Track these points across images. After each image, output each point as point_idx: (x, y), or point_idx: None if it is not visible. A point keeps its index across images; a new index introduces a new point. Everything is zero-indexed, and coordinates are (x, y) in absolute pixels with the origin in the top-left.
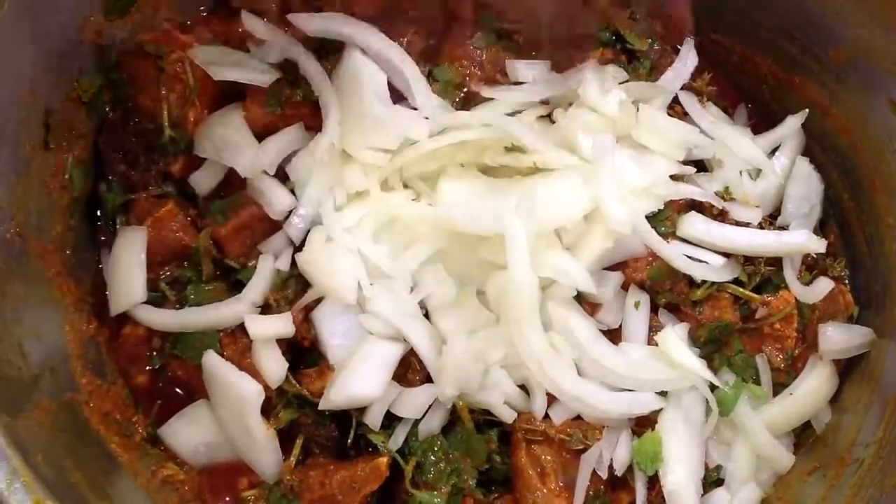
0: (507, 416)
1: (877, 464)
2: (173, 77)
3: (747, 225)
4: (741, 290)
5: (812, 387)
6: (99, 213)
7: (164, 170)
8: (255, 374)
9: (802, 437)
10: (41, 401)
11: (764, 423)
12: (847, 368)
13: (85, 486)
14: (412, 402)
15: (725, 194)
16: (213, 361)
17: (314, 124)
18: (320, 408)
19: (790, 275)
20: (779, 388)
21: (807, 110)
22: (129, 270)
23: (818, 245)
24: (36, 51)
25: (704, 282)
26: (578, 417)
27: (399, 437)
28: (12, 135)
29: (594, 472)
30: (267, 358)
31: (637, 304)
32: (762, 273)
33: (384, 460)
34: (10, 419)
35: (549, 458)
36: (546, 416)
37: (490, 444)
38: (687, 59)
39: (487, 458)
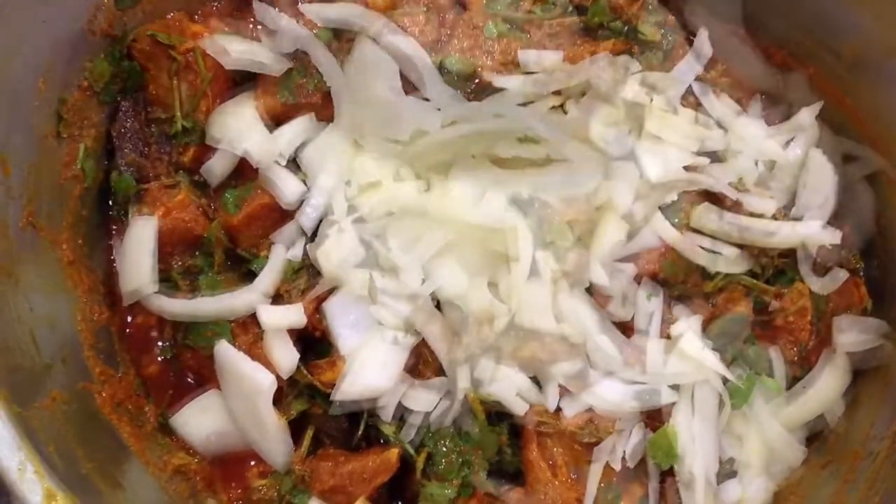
0: (519, 408)
1: (891, 457)
2: (185, 67)
3: (761, 216)
4: (755, 282)
5: (826, 380)
6: (111, 201)
7: (175, 159)
8: (266, 363)
9: (815, 430)
10: (53, 390)
11: (776, 416)
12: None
13: (96, 475)
14: (423, 395)
15: (739, 185)
16: (225, 351)
17: (326, 114)
18: (332, 399)
19: (804, 266)
20: (792, 381)
21: (821, 102)
22: (139, 260)
23: (832, 237)
24: (47, 40)
25: (718, 274)
26: (590, 410)
27: (411, 429)
28: (24, 124)
29: (606, 465)
30: (278, 348)
31: (649, 297)
32: (776, 265)
33: (395, 452)
34: (22, 409)
35: (560, 450)
36: (558, 408)
37: (501, 437)
38: (700, 50)
39: (498, 450)
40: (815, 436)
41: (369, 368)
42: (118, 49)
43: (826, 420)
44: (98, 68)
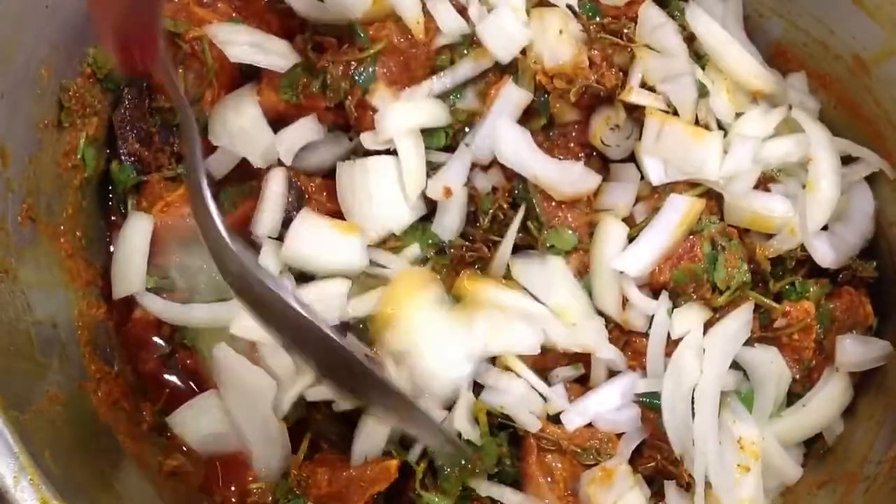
0: (532, 425)
1: (888, 483)
2: (191, 55)
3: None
4: (763, 298)
5: (826, 399)
6: (110, 193)
7: (178, 150)
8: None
9: (813, 448)
10: (49, 391)
11: (775, 433)
12: (863, 381)
13: (92, 482)
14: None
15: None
16: (224, 355)
17: (329, 118)
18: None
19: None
20: (793, 398)
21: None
22: (130, 259)
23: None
24: (50, 27)
25: (728, 287)
26: (591, 426)
27: (416, 451)
28: (26, 113)
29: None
30: (271, 356)
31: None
32: (782, 271)
33: (395, 462)
34: (19, 413)
35: (559, 465)
36: (559, 420)
37: (501, 448)
38: (701, 51)
39: (498, 460)
40: (813, 453)
41: None
42: None
43: (824, 438)
44: (101, 55)
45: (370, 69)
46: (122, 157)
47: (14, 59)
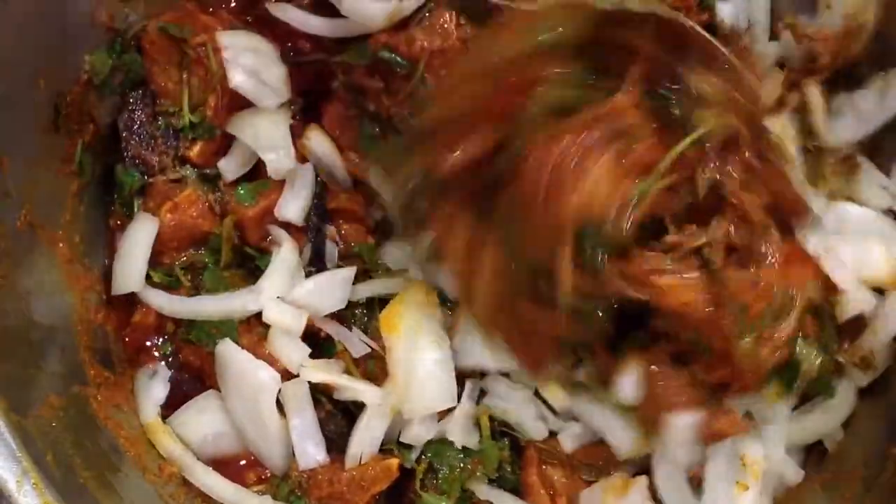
0: (538, 433)
1: (891, 480)
2: (196, 61)
3: None
4: None
5: (831, 410)
6: (116, 196)
7: (182, 153)
8: (271, 363)
9: (813, 447)
10: (49, 396)
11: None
12: None
13: (94, 484)
14: (417, 431)
15: None
16: (228, 349)
17: None
18: None
19: None
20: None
21: None
22: (132, 257)
23: None
24: (47, 33)
25: None
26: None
27: (415, 453)
28: (23, 120)
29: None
30: (286, 345)
31: None
32: None
33: (396, 461)
34: (20, 417)
35: (560, 479)
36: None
37: (502, 453)
38: None
39: (499, 465)
40: (812, 451)
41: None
42: (118, 42)
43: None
44: (97, 61)
45: (422, 87)
46: (127, 161)
47: (10, 66)
